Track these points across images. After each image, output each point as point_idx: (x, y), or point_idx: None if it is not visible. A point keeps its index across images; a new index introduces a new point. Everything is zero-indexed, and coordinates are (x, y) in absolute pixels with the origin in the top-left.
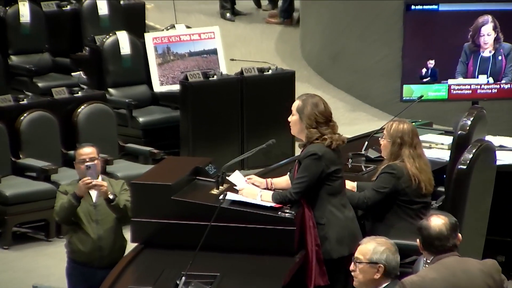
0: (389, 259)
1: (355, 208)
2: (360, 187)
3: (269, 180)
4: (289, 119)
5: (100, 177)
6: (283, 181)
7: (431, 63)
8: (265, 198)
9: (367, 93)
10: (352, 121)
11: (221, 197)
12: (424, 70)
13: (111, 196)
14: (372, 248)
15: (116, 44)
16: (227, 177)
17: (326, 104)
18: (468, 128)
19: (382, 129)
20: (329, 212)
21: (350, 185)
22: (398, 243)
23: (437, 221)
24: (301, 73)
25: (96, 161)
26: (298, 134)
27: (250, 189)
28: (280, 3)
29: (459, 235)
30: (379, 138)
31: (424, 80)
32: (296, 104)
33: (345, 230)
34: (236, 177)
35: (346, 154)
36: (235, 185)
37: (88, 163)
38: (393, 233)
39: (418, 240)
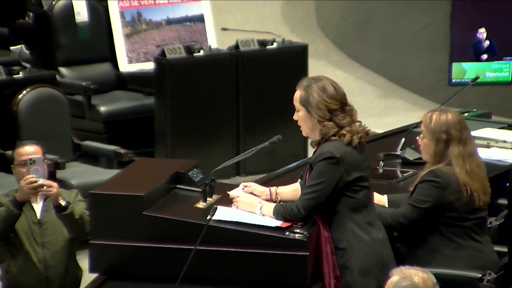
0: None
1: (388, 229)
2: (392, 201)
3: (273, 189)
4: (295, 117)
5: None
6: (292, 191)
7: (481, 32)
8: (265, 211)
9: (403, 73)
10: (384, 110)
11: (210, 211)
12: (487, 43)
13: (63, 203)
14: (394, 282)
15: (69, 9)
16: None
17: (335, 84)
18: None
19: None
20: (351, 233)
21: (378, 200)
22: (444, 274)
23: None
24: (317, 47)
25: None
26: (312, 133)
27: (248, 197)
28: None
29: None
30: (417, 137)
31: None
32: (297, 95)
33: (372, 256)
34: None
35: (376, 155)
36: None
37: (32, 156)
38: (438, 260)
39: None
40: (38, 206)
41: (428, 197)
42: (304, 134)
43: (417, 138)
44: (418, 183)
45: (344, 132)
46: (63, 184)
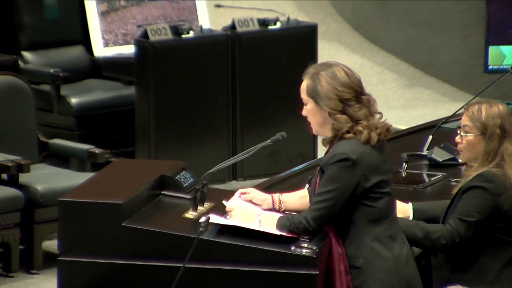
0: None
1: (440, 252)
2: (419, 211)
3: (276, 196)
4: (303, 112)
5: None
6: (299, 199)
7: None
8: (266, 225)
9: (431, 59)
10: (409, 102)
11: (201, 220)
12: None
13: None
14: None
15: None
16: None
17: (348, 70)
18: None
19: (456, 116)
20: (369, 249)
21: (402, 209)
22: None
23: None
24: (328, 27)
25: None
26: (322, 129)
27: (244, 209)
28: None
29: None
30: (459, 134)
31: None
32: (304, 86)
33: (395, 276)
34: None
35: (398, 156)
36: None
37: None
38: (481, 280)
39: None
40: None
41: (481, 207)
42: (314, 132)
43: (459, 135)
44: (463, 190)
45: (360, 128)
46: (27, 189)
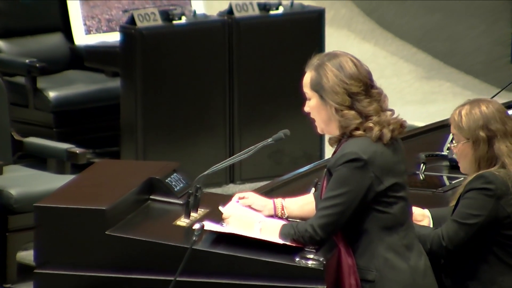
0: None
1: (429, 256)
2: (437, 218)
3: (278, 201)
4: (306, 108)
5: None
6: (303, 204)
7: None
8: (268, 234)
9: (452, 48)
10: (427, 96)
11: (195, 228)
12: None
13: None
14: None
15: None
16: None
17: (357, 61)
18: None
19: None
20: (383, 259)
21: (419, 214)
22: None
23: None
24: (337, 12)
25: None
26: (327, 127)
27: (242, 215)
28: None
29: None
30: (450, 145)
31: None
32: (307, 79)
33: None
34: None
35: (415, 156)
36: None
37: None
38: None
39: None
40: None
41: (479, 210)
42: (319, 130)
43: (451, 145)
44: (463, 192)
45: (370, 124)
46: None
